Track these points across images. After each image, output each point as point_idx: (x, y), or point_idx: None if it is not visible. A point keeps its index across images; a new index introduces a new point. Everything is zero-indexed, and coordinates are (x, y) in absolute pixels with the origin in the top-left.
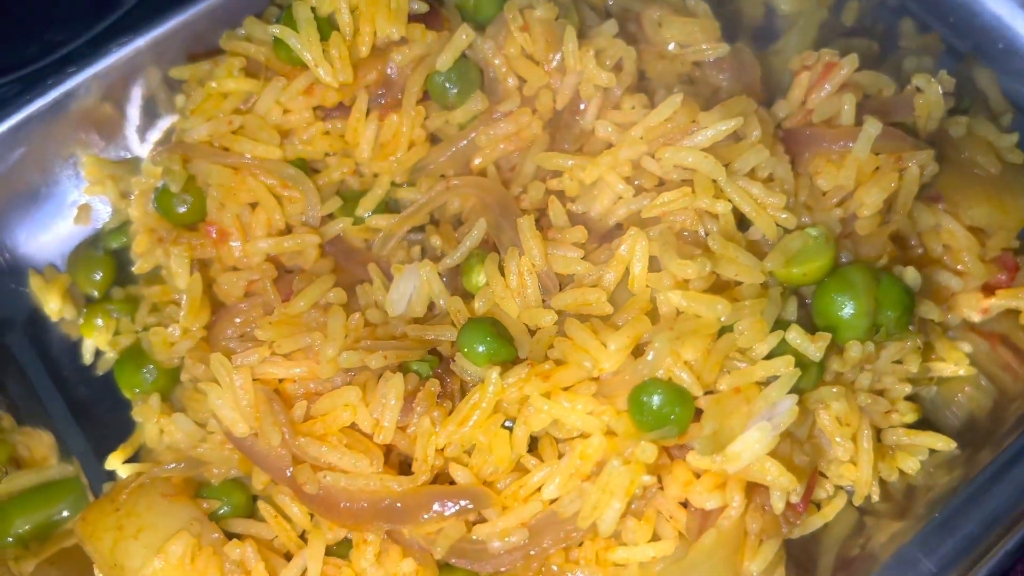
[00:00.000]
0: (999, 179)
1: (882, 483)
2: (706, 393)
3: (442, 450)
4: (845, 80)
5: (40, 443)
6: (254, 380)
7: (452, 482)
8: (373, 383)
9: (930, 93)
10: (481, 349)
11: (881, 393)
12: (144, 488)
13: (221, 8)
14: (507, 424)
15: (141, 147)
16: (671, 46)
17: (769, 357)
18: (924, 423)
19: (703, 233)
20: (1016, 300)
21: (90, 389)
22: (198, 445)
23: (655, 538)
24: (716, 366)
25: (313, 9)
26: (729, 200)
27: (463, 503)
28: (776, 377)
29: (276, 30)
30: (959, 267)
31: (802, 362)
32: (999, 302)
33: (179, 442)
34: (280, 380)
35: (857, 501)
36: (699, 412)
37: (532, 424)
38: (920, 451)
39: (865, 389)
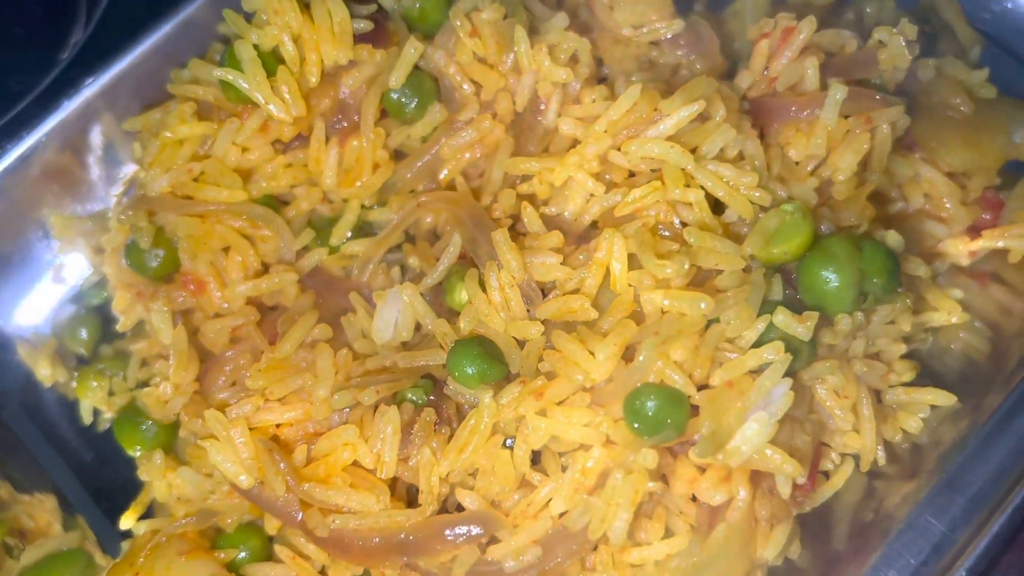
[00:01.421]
0: (973, 119)
1: (887, 445)
2: (700, 388)
3: (446, 477)
4: (805, 43)
5: (42, 509)
6: (251, 429)
7: (460, 507)
8: (369, 417)
9: (893, 46)
10: (471, 371)
11: (876, 356)
12: (161, 548)
13: (165, 48)
14: (508, 443)
15: (108, 198)
16: (625, 30)
17: (758, 342)
18: (924, 376)
19: (679, 224)
20: (1003, 239)
21: (93, 450)
22: (208, 496)
23: (668, 534)
24: (707, 361)
25: (256, 46)
26: (701, 187)
27: (473, 530)
28: (768, 364)
29: (220, 73)
30: (942, 214)
31: (792, 344)
32: (986, 243)
33: (189, 494)
34: (277, 425)
35: (864, 468)
36: (696, 407)
37: (531, 442)
38: (921, 408)
39: (859, 356)
